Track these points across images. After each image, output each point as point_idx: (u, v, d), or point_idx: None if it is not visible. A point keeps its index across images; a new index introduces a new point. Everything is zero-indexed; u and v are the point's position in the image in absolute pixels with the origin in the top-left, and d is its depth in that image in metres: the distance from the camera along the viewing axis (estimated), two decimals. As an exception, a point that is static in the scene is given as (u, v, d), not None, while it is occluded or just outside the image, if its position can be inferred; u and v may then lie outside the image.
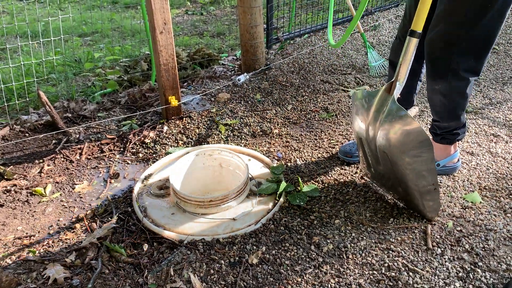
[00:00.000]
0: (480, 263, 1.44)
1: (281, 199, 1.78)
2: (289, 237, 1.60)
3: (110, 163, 2.12)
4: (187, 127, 2.38)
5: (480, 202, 1.73)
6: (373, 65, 2.92)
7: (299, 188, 1.84)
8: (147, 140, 2.28)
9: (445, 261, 1.45)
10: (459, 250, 1.50)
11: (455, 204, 1.72)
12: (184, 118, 2.46)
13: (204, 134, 2.33)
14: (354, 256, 1.50)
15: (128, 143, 2.26)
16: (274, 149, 2.17)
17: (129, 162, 2.14)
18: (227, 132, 2.36)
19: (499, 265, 1.43)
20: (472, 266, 1.43)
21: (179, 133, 2.34)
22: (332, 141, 2.22)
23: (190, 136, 2.31)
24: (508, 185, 1.82)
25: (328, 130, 2.33)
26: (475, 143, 2.13)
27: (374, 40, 3.44)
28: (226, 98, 2.69)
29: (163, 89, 2.38)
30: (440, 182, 1.85)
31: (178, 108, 2.46)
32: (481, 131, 2.23)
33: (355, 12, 3.02)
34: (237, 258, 1.51)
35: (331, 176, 1.94)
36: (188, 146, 2.23)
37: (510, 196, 1.76)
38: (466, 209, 1.69)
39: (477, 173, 1.91)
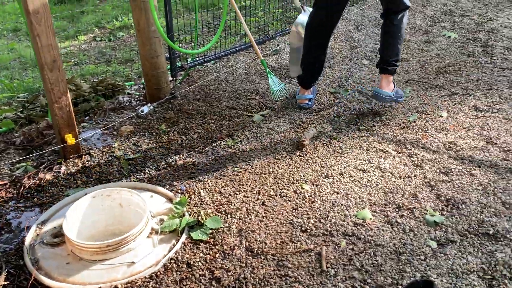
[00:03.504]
0: (369, 280, 1.54)
1: (184, 235, 1.78)
2: (191, 275, 1.59)
3: (1, 212, 1.97)
4: (87, 165, 2.30)
5: (370, 219, 1.85)
6: (275, 89, 3.03)
7: (202, 222, 1.84)
8: (43, 183, 2.16)
9: (338, 282, 1.54)
10: (351, 268, 1.59)
11: (348, 223, 1.83)
12: (83, 156, 2.36)
13: (105, 171, 2.26)
14: (254, 286, 1.53)
15: (22, 188, 2.13)
16: (178, 182, 2.16)
17: (23, 209, 2.01)
18: (130, 167, 2.31)
19: (385, 280, 1.54)
20: (362, 284, 1.53)
21: (78, 172, 2.25)
22: (236, 168, 2.26)
23: (90, 175, 2.23)
24: (395, 199, 1.98)
25: (232, 158, 2.37)
26: (366, 160, 2.29)
27: (276, 64, 3.58)
28: (129, 131, 2.64)
29: (58, 128, 2.28)
30: (335, 201, 1.96)
31: (77, 146, 2.37)
32: (371, 147, 2.41)
33: (252, 38, 3.13)
34: (136, 304, 1.47)
35: (234, 205, 1.97)
36: (88, 186, 2.15)
37: (397, 209, 1.91)
38: (358, 227, 1.81)
39: (368, 189, 2.05)
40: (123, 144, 2.51)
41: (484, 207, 1.87)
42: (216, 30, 3.73)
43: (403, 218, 1.85)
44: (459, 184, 2.04)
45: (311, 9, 3.30)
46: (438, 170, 2.16)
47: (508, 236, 1.70)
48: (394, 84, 2.80)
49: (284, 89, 3.14)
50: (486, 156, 2.25)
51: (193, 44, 3.44)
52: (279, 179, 2.15)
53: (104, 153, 2.41)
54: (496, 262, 1.57)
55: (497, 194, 1.95)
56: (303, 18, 3.25)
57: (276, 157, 2.35)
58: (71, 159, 2.34)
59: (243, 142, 2.52)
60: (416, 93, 3.03)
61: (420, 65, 3.49)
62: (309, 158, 2.33)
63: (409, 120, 2.68)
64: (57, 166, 2.29)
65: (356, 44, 3.99)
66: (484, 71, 3.29)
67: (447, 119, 2.66)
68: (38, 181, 2.18)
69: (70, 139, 2.27)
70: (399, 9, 2.60)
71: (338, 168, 2.22)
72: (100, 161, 2.34)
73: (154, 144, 2.51)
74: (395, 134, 2.54)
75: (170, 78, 3.29)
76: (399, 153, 2.34)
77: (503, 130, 2.47)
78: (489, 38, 3.92)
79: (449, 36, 4.03)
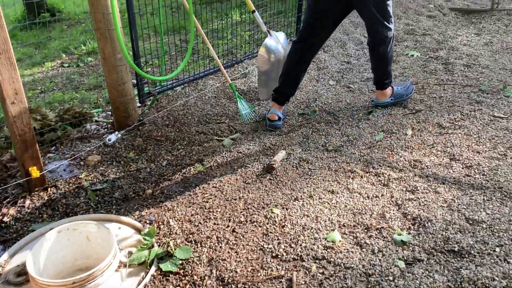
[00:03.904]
0: (339, 304, 1.55)
1: (153, 267, 1.75)
2: (160, 309, 1.56)
3: (-40, 253, 1.90)
4: (53, 198, 2.24)
5: (340, 241, 1.87)
6: (244, 113, 3.05)
7: (171, 252, 1.82)
8: (6, 219, 2.10)
9: (309, 308, 1.54)
10: (321, 293, 1.60)
11: (318, 246, 1.84)
12: (49, 189, 2.31)
13: (72, 204, 2.21)
14: (224, 317, 1.51)
15: (-16, 225, 2.06)
16: (147, 212, 2.13)
17: (-15, 247, 1.94)
18: (97, 198, 2.26)
19: (355, 303, 1.55)
20: (332, 308, 1.53)
21: (44, 206, 2.19)
22: (206, 195, 2.25)
23: (56, 208, 2.18)
24: (364, 219, 2.00)
25: (202, 184, 2.36)
26: (335, 181, 2.32)
27: (245, 87, 3.61)
28: (96, 161, 2.60)
29: (21, 161, 2.22)
30: (305, 225, 1.97)
31: (42, 179, 2.31)
32: (340, 168, 2.44)
33: (220, 62, 3.16)
34: None
35: (204, 233, 1.96)
36: (54, 220, 2.09)
37: (365, 230, 1.93)
38: (328, 250, 1.82)
39: (337, 211, 2.07)
40: (90, 174, 2.46)
41: (449, 224, 1.92)
42: (185, 53, 3.75)
43: (372, 238, 1.87)
44: (425, 202, 2.09)
45: (277, 33, 3.37)
46: (404, 189, 2.21)
47: (472, 252, 1.75)
48: (392, 88, 3.16)
49: (253, 111, 3.17)
50: (449, 172, 2.32)
51: (160, 70, 3.44)
52: (250, 204, 2.15)
53: (71, 184, 2.36)
54: (462, 279, 1.60)
55: (461, 210, 2.01)
56: (269, 42, 3.31)
57: (247, 182, 2.35)
58: (36, 192, 2.28)
59: (213, 168, 2.52)
60: (382, 112, 3.11)
61: (385, 84, 3.59)
62: (279, 181, 2.35)
63: (375, 140, 2.74)
64: (22, 200, 2.23)
65: (322, 65, 4.07)
66: (446, 89, 3.41)
67: (412, 137, 2.73)
68: (1, 217, 2.11)
69: (34, 172, 2.22)
70: (375, 41, 2.90)
71: (307, 191, 2.24)
72: (67, 193, 2.29)
73: (122, 173, 2.48)
74: (362, 154, 2.58)
75: (139, 105, 3.27)
76: (367, 172, 2.39)
77: (465, 146, 2.56)
78: (450, 56, 4.07)
79: (412, 55, 4.17)
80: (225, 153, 2.66)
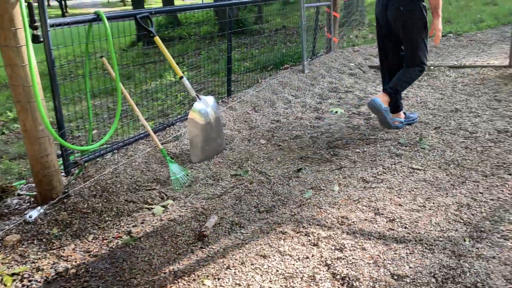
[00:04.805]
0: None
1: None
2: None
3: None
4: (-38, 288, 2.05)
5: (271, 309, 1.85)
6: (176, 178, 3.03)
7: None
8: None
9: None
10: None
11: (249, 317, 1.80)
12: (-42, 278, 2.11)
13: (-16, 293, 2.02)
14: None
15: None
16: (69, 295, 2.00)
17: None
18: (14, 283, 2.09)
19: None
20: None
21: (-50, 299, 1.99)
22: (133, 270, 2.16)
23: (-35, 300, 1.98)
24: (295, 284, 2.01)
25: (130, 259, 2.26)
26: (266, 244, 2.33)
27: (177, 150, 3.61)
28: (15, 240, 2.43)
29: None
30: (237, 295, 1.93)
31: (-50, 267, 2.11)
32: (271, 230, 2.46)
33: (149, 128, 3.15)
34: None
35: (132, 313, 1.86)
36: (-39, 314, 1.90)
37: (297, 295, 1.93)
38: (260, 320, 1.79)
39: (268, 277, 2.06)
40: (8, 256, 2.29)
41: (375, 282, 1.97)
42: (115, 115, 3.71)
43: (303, 303, 1.87)
44: (353, 260, 2.14)
45: (206, 97, 3.45)
46: (333, 247, 2.26)
47: (398, 309, 1.80)
48: (404, 113, 3.93)
49: (186, 175, 3.15)
50: (374, 227, 2.41)
51: (88, 139, 3.37)
52: (180, 277, 2.09)
53: (-16, 270, 2.17)
54: None
55: (386, 266, 2.08)
56: (199, 106, 3.38)
57: (177, 252, 2.30)
58: None
59: (142, 239, 2.44)
60: (310, 169, 3.22)
61: (312, 141, 3.75)
62: (210, 249, 2.31)
63: (305, 197, 2.81)
64: None
65: (254, 124, 4.19)
66: (369, 143, 3.61)
67: (339, 193, 2.84)
68: None
69: None
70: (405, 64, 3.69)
71: (240, 257, 2.22)
72: (-22, 281, 2.10)
73: (44, 253, 2.33)
74: (293, 213, 2.63)
75: (64, 175, 3.15)
76: (297, 232, 2.42)
77: (388, 200, 2.69)
78: (371, 111, 4.36)
79: (336, 112, 4.42)
80: (155, 222, 2.59)
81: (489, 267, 2.01)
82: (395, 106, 3.81)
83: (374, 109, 3.64)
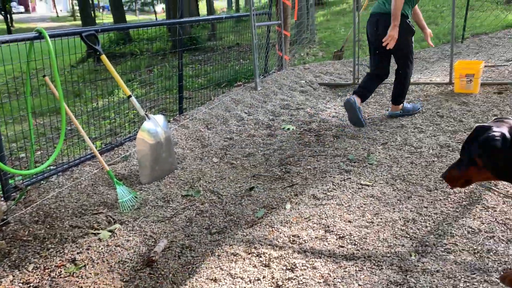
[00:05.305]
0: None
1: None
2: None
3: None
4: None
5: (222, 335, 1.80)
6: (124, 200, 2.93)
7: None
8: None
9: None
10: None
11: None
12: None
13: None
14: None
15: None
16: (4, 332, 1.86)
17: None
18: None
19: None
20: None
21: None
22: (77, 301, 2.05)
23: None
24: (246, 307, 1.98)
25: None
26: (217, 267, 2.28)
27: (126, 171, 3.51)
28: None
29: None
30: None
31: None
32: (223, 252, 2.42)
33: (95, 149, 3.05)
34: None
35: None
36: None
37: (248, 319, 1.90)
38: None
39: (219, 301, 2.02)
40: None
41: (326, 301, 1.98)
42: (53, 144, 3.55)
43: (254, 328, 1.84)
44: (304, 280, 2.14)
45: (156, 116, 3.39)
46: (284, 268, 2.25)
47: (348, 328, 1.81)
48: (403, 104, 4.53)
49: (135, 197, 3.06)
50: (325, 245, 2.43)
51: (29, 163, 3.20)
52: (126, 306, 2.00)
53: None
54: None
55: (336, 284, 2.09)
56: (148, 125, 3.31)
57: (124, 280, 2.21)
58: None
59: (87, 267, 2.32)
60: (263, 187, 3.22)
61: (265, 158, 3.76)
62: (159, 275, 2.24)
63: (257, 217, 2.80)
64: None
65: (206, 142, 4.16)
66: (319, 160, 3.67)
67: (290, 211, 2.85)
68: None
69: None
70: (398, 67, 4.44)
71: (189, 282, 2.17)
72: None
73: (-22, 287, 2.17)
74: (244, 234, 2.61)
75: (3, 201, 2.96)
76: (249, 254, 2.40)
77: (338, 217, 2.73)
78: (321, 127, 4.45)
79: (288, 128, 4.47)
80: (102, 248, 2.49)
81: (434, 281, 2.07)
82: (363, 97, 4.40)
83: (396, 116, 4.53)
